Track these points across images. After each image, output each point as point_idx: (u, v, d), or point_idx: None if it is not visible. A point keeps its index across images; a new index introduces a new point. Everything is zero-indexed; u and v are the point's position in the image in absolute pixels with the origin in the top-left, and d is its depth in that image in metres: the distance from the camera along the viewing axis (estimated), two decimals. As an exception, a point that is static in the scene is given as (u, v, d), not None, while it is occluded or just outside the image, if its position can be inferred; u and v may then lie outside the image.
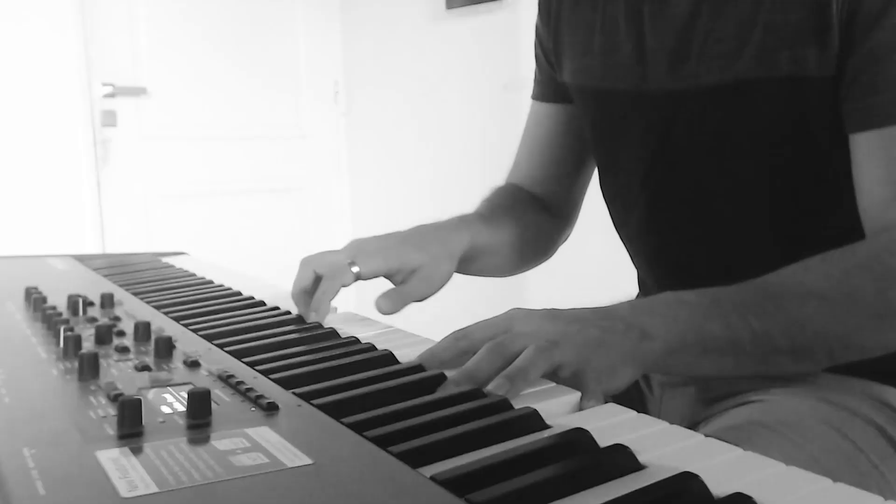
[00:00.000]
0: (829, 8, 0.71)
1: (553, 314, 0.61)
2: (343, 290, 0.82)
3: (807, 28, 0.72)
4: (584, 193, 1.07)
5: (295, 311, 0.81)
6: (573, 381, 0.57)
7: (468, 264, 0.92)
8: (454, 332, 0.63)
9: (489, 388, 0.54)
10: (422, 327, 0.82)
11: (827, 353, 0.66)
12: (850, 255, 0.67)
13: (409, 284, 0.84)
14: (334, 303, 0.83)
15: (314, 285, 0.81)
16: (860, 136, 0.72)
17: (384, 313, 0.80)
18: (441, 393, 0.55)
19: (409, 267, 0.83)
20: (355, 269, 0.81)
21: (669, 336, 0.60)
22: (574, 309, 0.62)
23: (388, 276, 0.85)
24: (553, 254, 1.08)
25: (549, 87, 1.02)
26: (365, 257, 0.82)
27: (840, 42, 0.71)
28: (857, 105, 0.71)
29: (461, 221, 0.93)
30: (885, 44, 0.69)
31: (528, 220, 1.01)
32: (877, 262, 0.66)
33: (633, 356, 0.58)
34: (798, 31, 0.72)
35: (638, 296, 1.02)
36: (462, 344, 0.61)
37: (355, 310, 0.86)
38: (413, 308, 0.86)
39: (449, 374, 0.57)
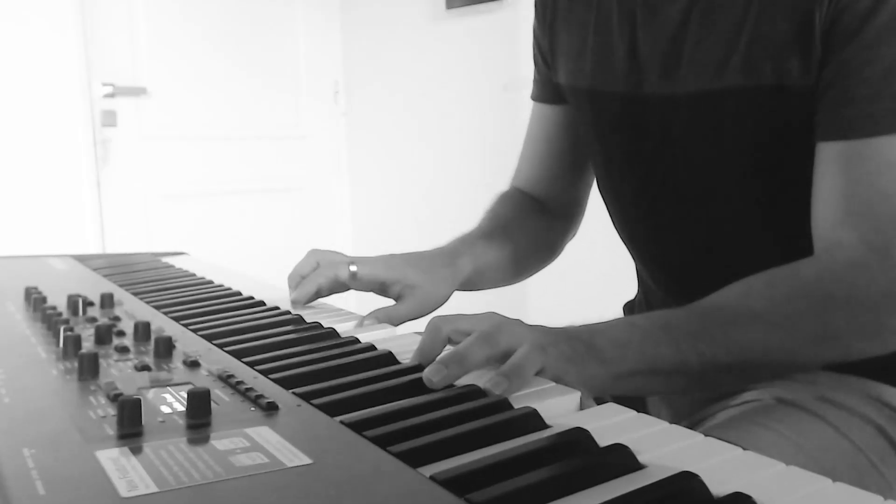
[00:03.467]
0: (813, 20, 0.71)
1: (531, 326, 0.62)
2: (343, 295, 0.86)
3: (791, 39, 0.73)
4: (588, 193, 1.07)
5: (295, 311, 0.81)
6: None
7: (472, 285, 0.94)
8: (433, 326, 0.63)
9: (487, 386, 0.54)
10: (420, 327, 0.82)
11: (769, 371, 0.70)
12: (793, 278, 0.69)
13: (402, 303, 0.85)
14: (334, 300, 0.83)
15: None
16: (824, 146, 0.73)
17: None
18: (441, 393, 0.55)
19: (407, 281, 0.84)
20: (353, 267, 0.83)
21: (622, 359, 0.62)
22: (543, 326, 0.63)
23: (384, 288, 0.86)
24: (557, 256, 1.08)
25: (546, 88, 1.02)
26: (365, 262, 0.84)
27: (821, 53, 0.72)
28: (825, 115, 0.72)
29: (463, 244, 0.94)
30: (857, 58, 0.70)
31: (531, 228, 1.02)
32: (816, 288, 0.68)
33: (592, 377, 0.60)
34: (783, 42, 0.73)
35: (637, 293, 1.03)
36: (443, 334, 0.62)
37: (355, 311, 0.86)
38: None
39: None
